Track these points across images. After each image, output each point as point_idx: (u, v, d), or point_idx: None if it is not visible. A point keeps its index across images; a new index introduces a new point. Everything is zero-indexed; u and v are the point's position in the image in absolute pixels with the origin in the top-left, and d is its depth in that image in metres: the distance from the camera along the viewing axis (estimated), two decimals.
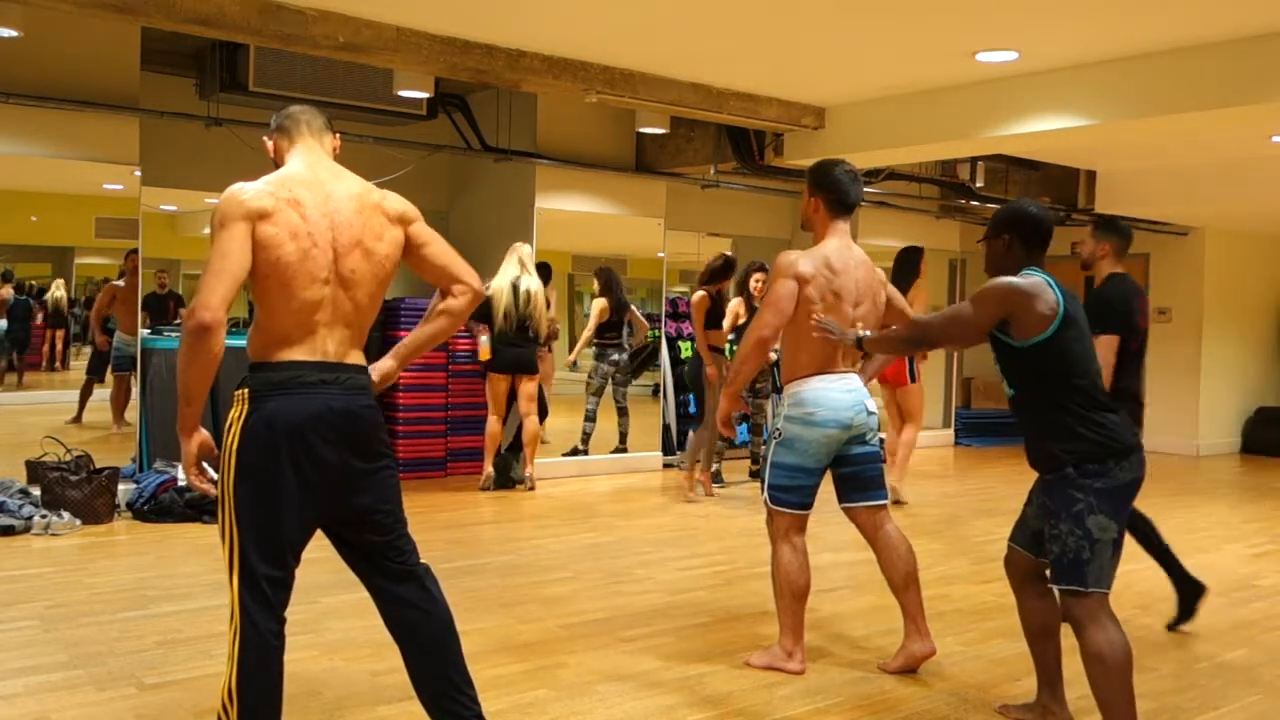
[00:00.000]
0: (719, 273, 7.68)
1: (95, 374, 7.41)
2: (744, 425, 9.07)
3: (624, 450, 8.81)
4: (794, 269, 3.84)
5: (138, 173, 6.79)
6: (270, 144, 2.76)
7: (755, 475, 8.53)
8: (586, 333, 8.58)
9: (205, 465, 2.56)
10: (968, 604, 5.01)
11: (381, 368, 2.76)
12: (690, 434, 7.78)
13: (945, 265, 11.46)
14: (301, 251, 2.51)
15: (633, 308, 8.72)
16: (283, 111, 2.78)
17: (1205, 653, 4.38)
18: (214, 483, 2.58)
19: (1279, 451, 11.46)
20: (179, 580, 5.02)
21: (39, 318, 7.56)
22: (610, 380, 8.53)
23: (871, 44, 5.87)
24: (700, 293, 7.63)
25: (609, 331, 8.46)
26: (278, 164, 2.72)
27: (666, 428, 9.27)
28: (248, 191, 2.51)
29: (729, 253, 8.82)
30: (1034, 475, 3.31)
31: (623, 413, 8.71)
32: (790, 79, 6.74)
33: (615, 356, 8.48)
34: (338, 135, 2.82)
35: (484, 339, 7.55)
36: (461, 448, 8.22)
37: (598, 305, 8.44)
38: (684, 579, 5.34)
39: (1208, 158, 9.07)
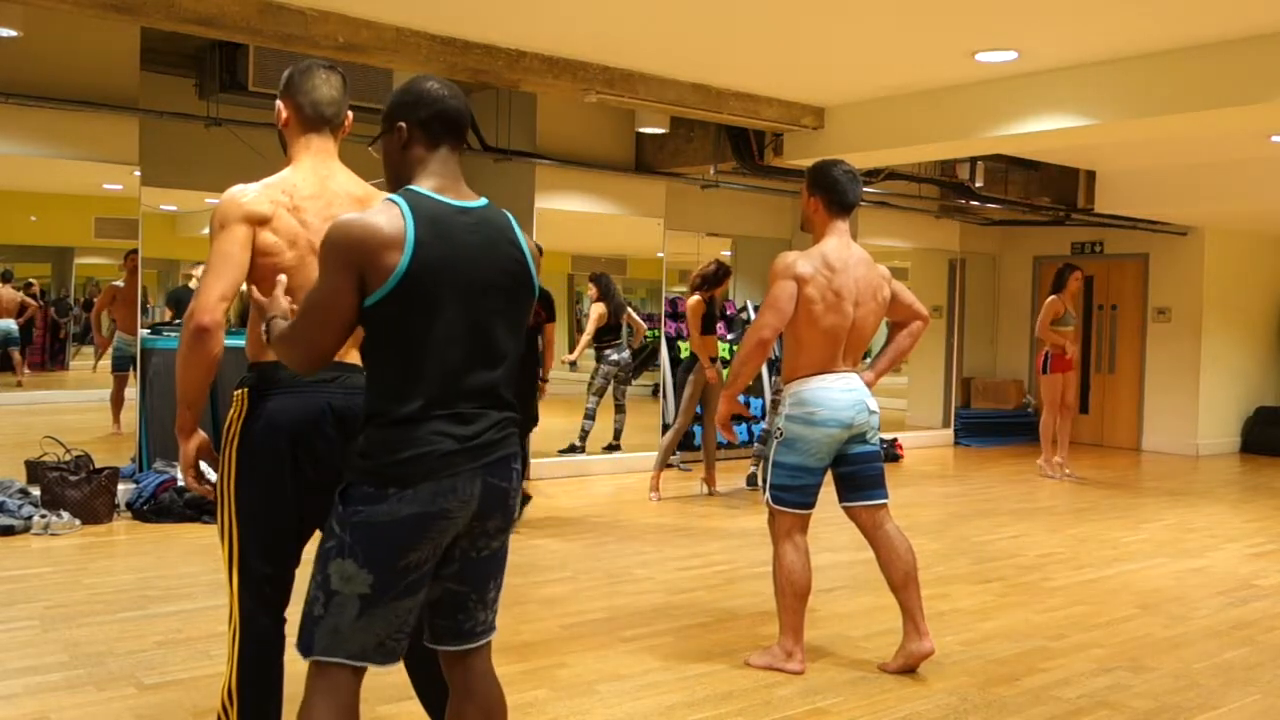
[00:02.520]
0: (711, 279, 7.68)
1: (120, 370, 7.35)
2: (743, 426, 9.08)
3: (617, 447, 8.88)
4: (792, 270, 3.85)
5: (137, 173, 6.79)
6: (283, 111, 2.66)
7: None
8: (586, 336, 8.83)
9: (204, 467, 2.56)
10: (967, 604, 5.01)
11: None
12: (702, 434, 7.85)
13: (945, 265, 11.47)
14: (299, 258, 2.51)
15: (630, 310, 8.86)
16: (303, 80, 2.65)
17: (1205, 653, 4.38)
18: (212, 485, 2.58)
19: (1279, 451, 11.47)
20: (179, 580, 5.02)
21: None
22: (613, 380, 8.71)
23: (871, 44, 5.86)
24: (695, 297, 7.66)
25: (607, 335, 8.70)
26: (283, 135, 2.68)
27: (666, 428, 9.27)
28: (248, 194, 2.51)
29: (726, 256, 8.85)
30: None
31: (620, 409, 8.88)
32: (790, 79, 6.73)
33: (615, 357, 8.69)
34: (349, 116, 2.75)
35: None
36: None
37: (596, 310, 8.68)
38: (684, 579, 5.34)
39: (1208, 158, 9.07)
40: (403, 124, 2.24)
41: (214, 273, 2.42)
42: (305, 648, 2.17)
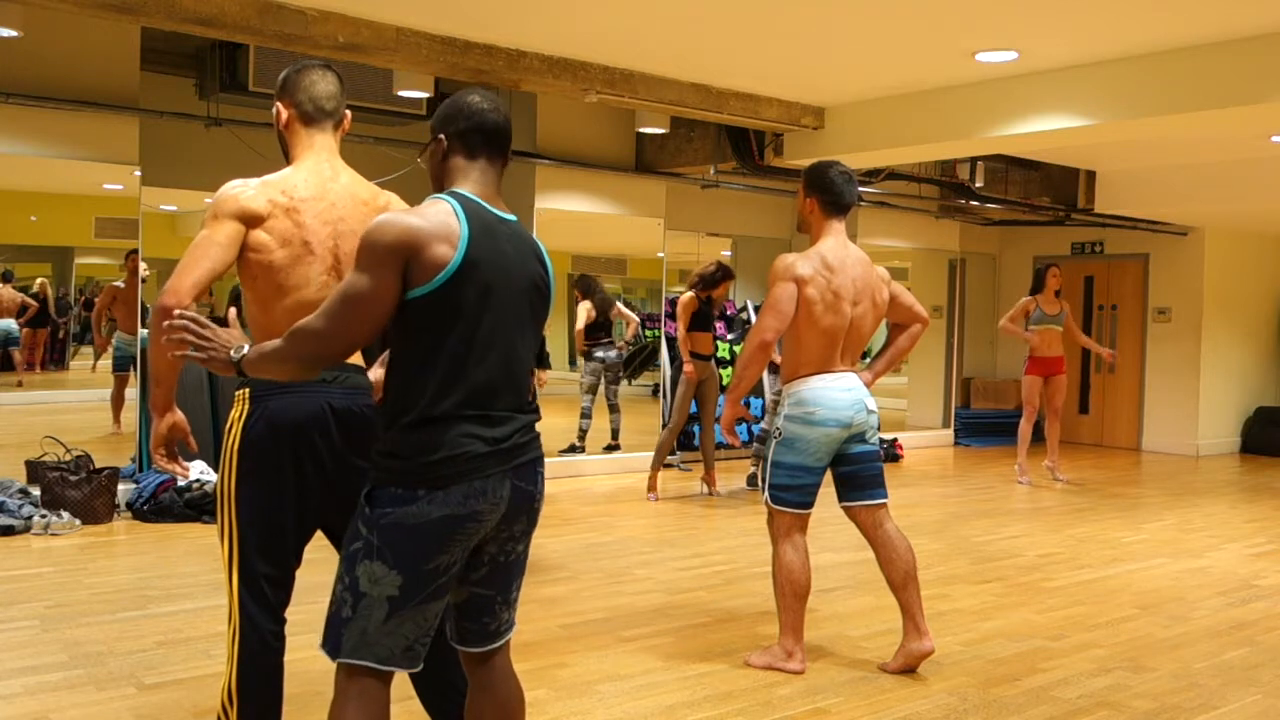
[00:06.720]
0: (708, 280, 7.66)
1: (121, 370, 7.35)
2: (743, 426, 9.09)
3: (616, 448, 8.91)
4: (792, 271, 3.85)
5: (138, 173, 6.79)
6: (282, 112, 2.66)
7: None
8: (576, 333, 9.01)
9: (203, 466, 2.55)
10: (967, 604, 5.01)
11: (372, 377, 2.74)
12: (699, 434, 7.89)
13: (945, 265, 11.47)
14: (292, 258, 2.51)
15: (619, 304, 8.97)
16: (299, 78, 2.67)
17: (1205, 653, 4.38)
18: (184, 467, 2.61)
19: (1279, 451, 11.47)
20: (179, 580, 5.02)
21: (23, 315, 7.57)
22: (601, 378, 8.79)
23: (871, 44, 5.86)
24: (689, 294, 7.66)
25: (597, 332, 8.89)
26: (282, 136, 2.68)
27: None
28: (247, 191, 2.51)
29: (726, 256, 8.88)
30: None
31: (614, 409, 8.93)
32: (790, 79, 6.73)
33: (600, 354, 8.82)
34: (348, 115, 2.76)
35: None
36: None
37: (583, 309, 8.87)
38: (684, 579, 5.34)
39: (1208, 158, 9.07)
40: (442, 135, 2.30)
41: (193, 260, 2.44)
42: (333, 649, 2.17)
